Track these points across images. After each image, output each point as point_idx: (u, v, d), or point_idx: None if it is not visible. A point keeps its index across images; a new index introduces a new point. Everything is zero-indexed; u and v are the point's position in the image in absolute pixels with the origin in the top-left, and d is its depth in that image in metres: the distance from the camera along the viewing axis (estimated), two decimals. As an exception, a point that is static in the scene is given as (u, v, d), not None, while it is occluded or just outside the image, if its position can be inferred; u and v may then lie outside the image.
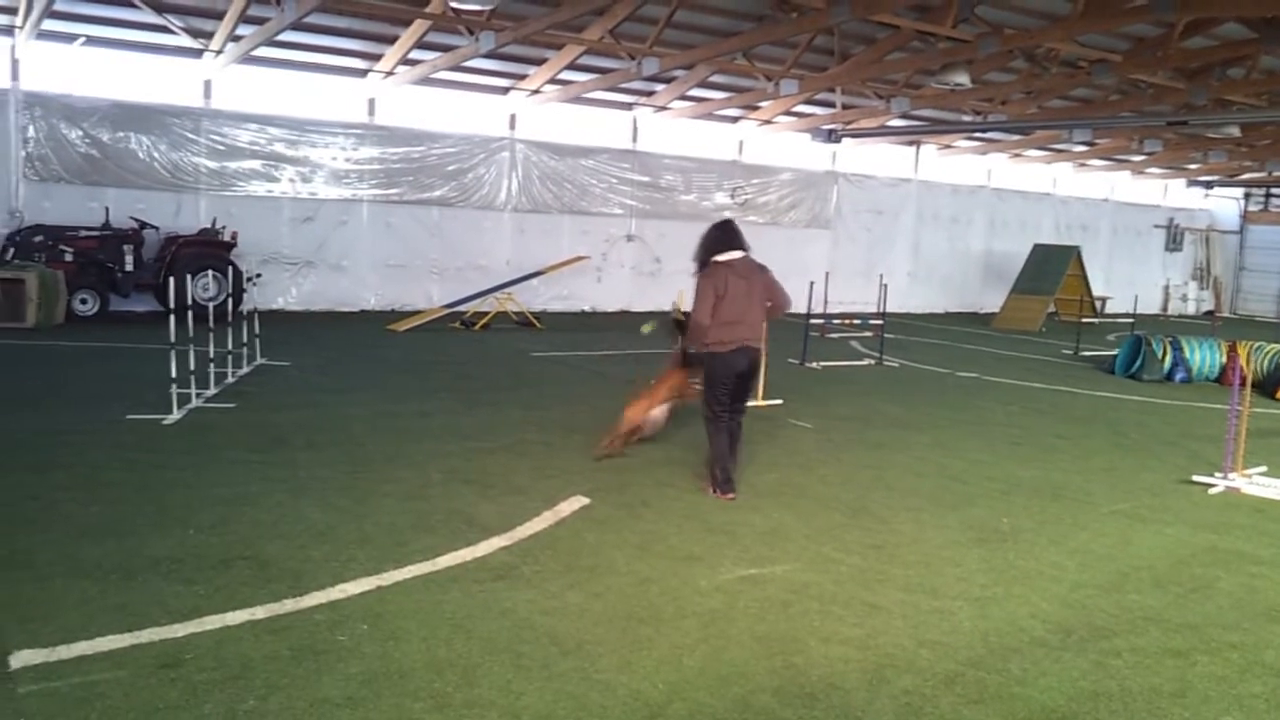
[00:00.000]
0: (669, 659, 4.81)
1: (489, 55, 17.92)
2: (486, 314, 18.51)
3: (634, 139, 23.48)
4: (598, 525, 6.83)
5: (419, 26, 17.24)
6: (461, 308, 18.56)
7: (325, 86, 19.74)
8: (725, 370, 7.57)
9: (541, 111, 22.03)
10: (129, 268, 16.88)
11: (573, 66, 19.92)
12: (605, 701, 4.36)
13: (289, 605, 5.18)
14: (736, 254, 7.58)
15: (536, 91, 21.10)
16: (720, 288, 7.41)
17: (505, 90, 21.21)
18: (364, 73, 19.58)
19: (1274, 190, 34.52)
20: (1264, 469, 9.54)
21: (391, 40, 18.27)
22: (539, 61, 19.90)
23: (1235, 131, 23.77)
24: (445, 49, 18.37)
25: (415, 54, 18.67)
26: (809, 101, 23.07)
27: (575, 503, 7.31)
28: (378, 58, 19.04)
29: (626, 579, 5.85)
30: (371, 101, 20.27)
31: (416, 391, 11.66)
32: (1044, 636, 5.34)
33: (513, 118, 21.84)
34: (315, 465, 8.04)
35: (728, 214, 7.08)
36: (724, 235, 7.67)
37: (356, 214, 20.16)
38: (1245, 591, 6.25)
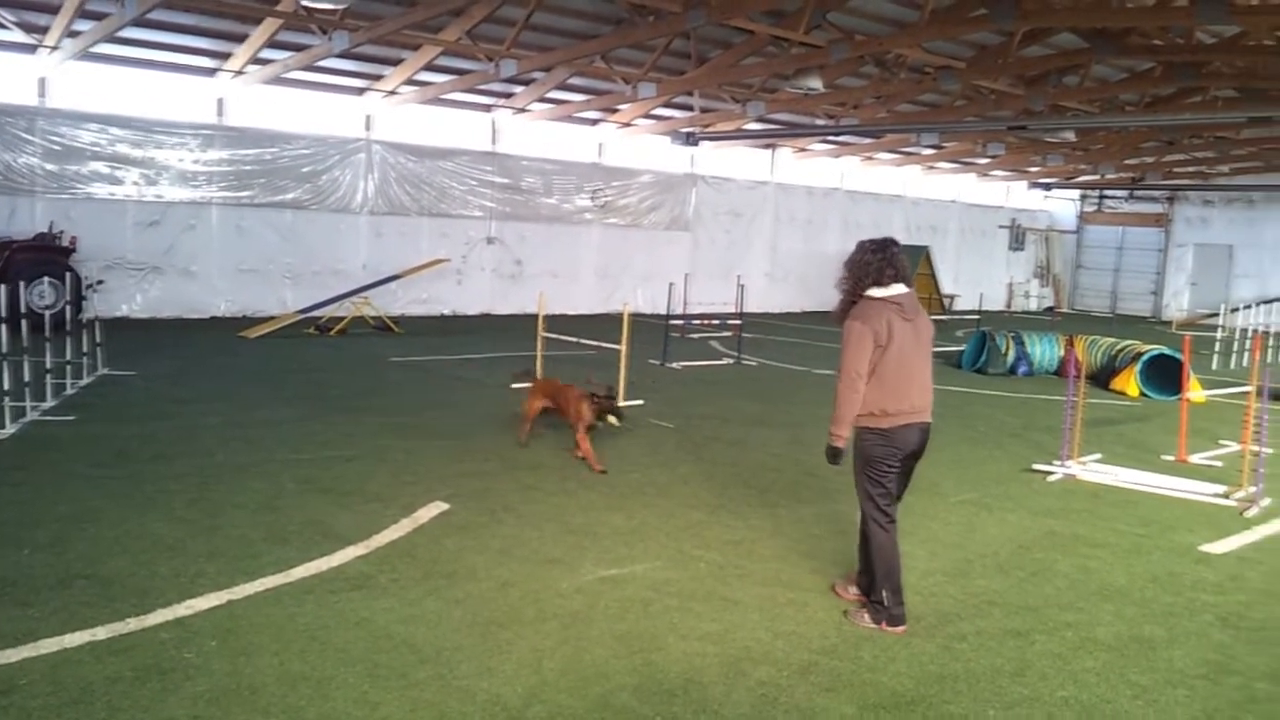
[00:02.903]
0: (529, 662, 4.81)
1: (343, 55, 17.59)
2: (343, 319, 18.14)
3: (494, 141, 23.31)
4: (458, 531, 6.77)
5: (270, 25, 16.77)
6: (317, 313, 18.12)
7: (172, 85, 19.00)
8: (889, 449, 5.51)
9: (399, 113, 21.68)
10: (-44, 275, 15.97)
11: (430, 68, 19.66)
12: (464, 708, 4.33)
13: (132, 624, 5.00)
14: (900, 289, 5.52)
15: (393, 93, 20.76)
16: (882, 335, 5.38)
17: (361, 91, 20.81)
18: (213, 72, 18.93)
19: (1107, 192, 36.34)
20: (1099, 456, 10.07)
21: (241, 38, 17.72)
22: (395, 62, 19.58)
23: (1071, 136, 24.97)
24: (298, 48, 17.92)
25: (266, 53, 18.15)
26: (667, 105, 23.29)
27: (435, 509, 7.24)
28: (227, 56, 18.43)
29: (486, 584, 5.82)
30: (220, 101, 19.62)
31: (270, 400, 11.35)
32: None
33: (369, 119, 21.43)
34: (162, 478, 7.76)
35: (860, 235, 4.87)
36: (885, 260, 5.49)
37: (205, 217, 19.47)
38: (1080, 573, 6.58)
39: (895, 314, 5.41)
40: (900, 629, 5.45)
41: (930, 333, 5.65)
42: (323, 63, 18.42)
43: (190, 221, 19.28)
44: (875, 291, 5.47)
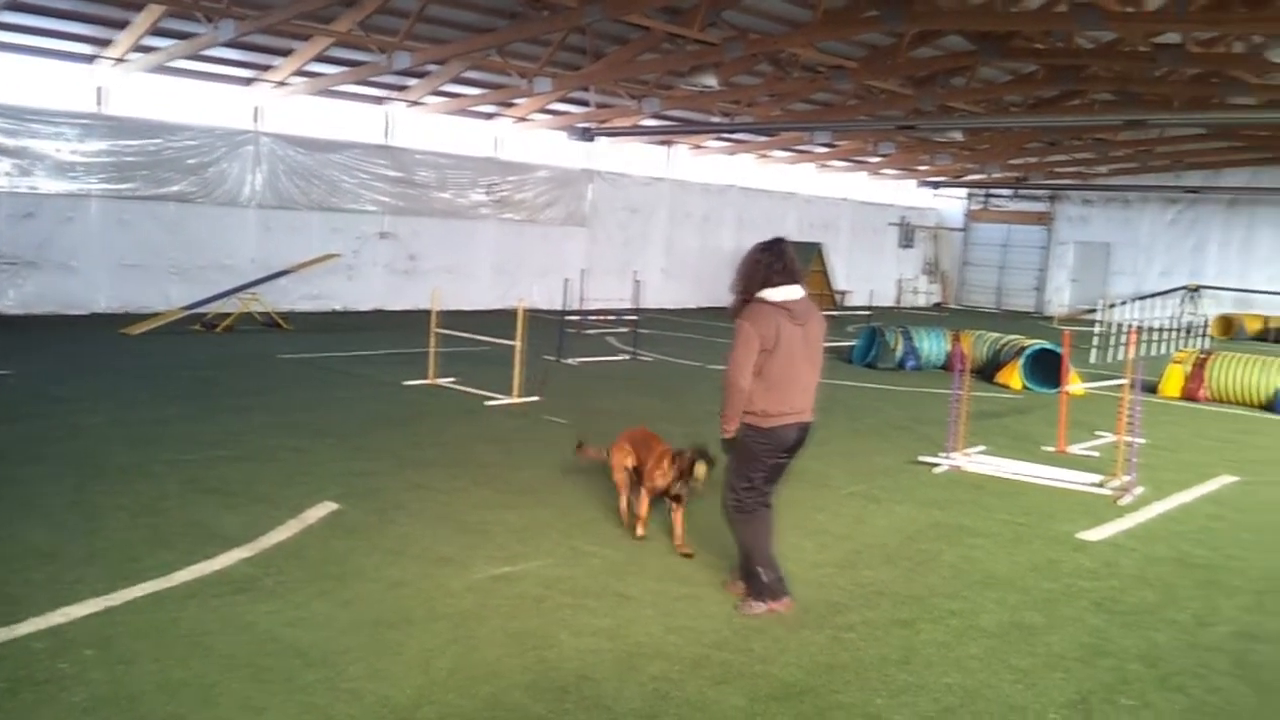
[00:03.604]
0: (419, 663, 4.76)
1: (230, 44, 17.12)
2: (230, 315, 17.68)
3: (387, 134, 22.96)
4: (347, 532, 6.67)
5: (153, 11, 16.23)
6: (203, 309, 17.63)
7: (47, 72, 18.29)
8: (768, 447, 5.60)
9: (288, 104, 21.21)
10: None
11: (321, 59, 19.28)
12: (352, 711, 4.27)
13: (2, 635, 4.81)
14: (794, 291, 5.56)
15: (283, 84, 20.29)
16: (769, 339, 5.43)
17: (249, 81, 20.29)
18: (92, 59, 18.27)
19: (993, 191, 37.42)
20: (983, 448, 10.36)
21: (122, 25, 17.13)
22: (285, 52, 19.13)
23: (958, 136, 25.67)
24: (182, 36, 17.39)
25: (149, 40, 17.58)
26: (564, 100, 23.23)
27: (324, 509, 7.11)
28: (107, 43, 17.80)
29: (376, 585, 5.74)
30: (100, 90, 18.94)
31: (154, 399, 11.00)
32: (784, 615, 5.60)
33: (257, 110, 20.91)
34: (38, 481, 7.47)
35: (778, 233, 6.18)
36: (776, 262, 5.53)
37: (84, 210, 18.78)
38: (965, 562, 6.77)
39: (785, 319, 5.47)
40: (784, 601, 5.62)
41: (821, 334, 5.71)
42: (209, 52, 17.93)
43: (68, 214, 18.58)
44: (768, 294, 5.50)
